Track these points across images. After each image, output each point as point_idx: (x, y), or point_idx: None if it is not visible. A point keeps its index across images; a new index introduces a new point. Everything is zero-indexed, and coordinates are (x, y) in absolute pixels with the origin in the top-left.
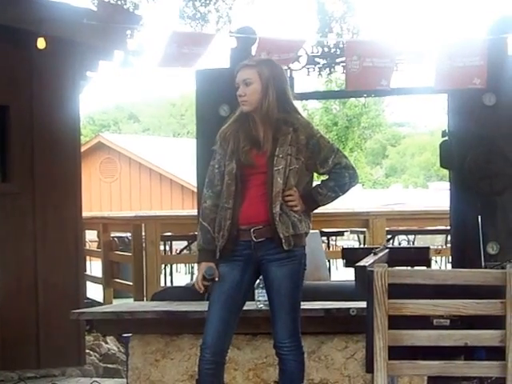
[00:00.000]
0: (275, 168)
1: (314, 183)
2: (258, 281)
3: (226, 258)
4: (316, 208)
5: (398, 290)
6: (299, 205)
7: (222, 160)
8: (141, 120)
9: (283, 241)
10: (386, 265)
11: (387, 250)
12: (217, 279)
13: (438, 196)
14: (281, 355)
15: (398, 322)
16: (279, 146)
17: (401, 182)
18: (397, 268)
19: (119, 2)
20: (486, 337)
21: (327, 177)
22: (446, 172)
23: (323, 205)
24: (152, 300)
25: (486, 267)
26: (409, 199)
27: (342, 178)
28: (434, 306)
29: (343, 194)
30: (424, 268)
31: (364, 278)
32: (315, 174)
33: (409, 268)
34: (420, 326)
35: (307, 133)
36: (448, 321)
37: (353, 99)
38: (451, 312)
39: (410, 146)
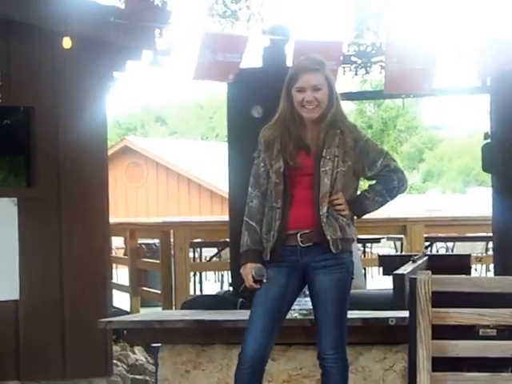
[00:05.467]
0: (322, 169)
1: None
2: None
3: (273, 261)
4: (363, 214)
5: (442, 299)
6: (346, 209)
7: (267, 159)
8: (168, 123)
9: (331, 243)
10: (430, 272)
11: (426, 258)
12: (265, 281)
13: (477, 202)
14: (324, 367)
15: (441, 331)
16: (326, 147)
17: (438, 187)
18: (441, 275)
19: None
20: None
21: (374, 181)
22: (485, 177)
23: (371, 211)
24: (182, 309)
25: None
26: (447, 205)
27: (390, 182)
28: (479, 315)
29: (391, 199)
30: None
31: (402, 286)
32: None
33: (453, 275)
34: (465, 336)
35: (354, 135)
36: (495, 331)
37: (388, 101)
38: (498, 321)
39: (447, 149)
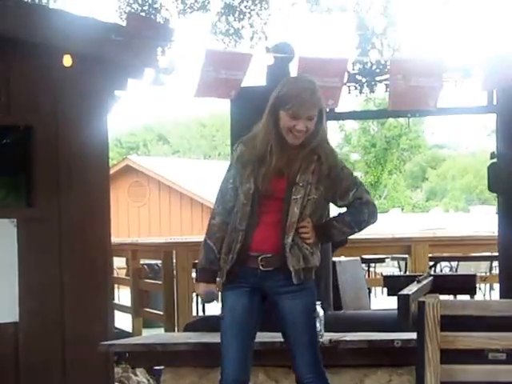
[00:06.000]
0: (293, 197)
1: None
2: None
3: (231, 282)
4: (328, 242)
5: (450, 322)
6: (312, 237)
7: (237, 176)
8: (170, 141)
9: (293, 274)
10: (438, 295)
11: (431, 278)
12: (215, 301)
13: (480, 220)
14: None
15: (450, 355)
16: (301, 173)
17: (441, 206)
18: (450, 299)
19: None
20: None
21: (345, 210)
22: (488, 195)
23: (336, 240)
24: (185, 331)
25: None
26: (450, 224)
27: (360, 215)
28: (489, 338)
29: (359, 230)
30: (468, 297)
31: (407, 307)
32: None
33: (462, 299)
34: (474, 360)
35: (330, 162)
36: (504, 355)
37: (392, 119)
38: (508, 345)
39: (450, 168)
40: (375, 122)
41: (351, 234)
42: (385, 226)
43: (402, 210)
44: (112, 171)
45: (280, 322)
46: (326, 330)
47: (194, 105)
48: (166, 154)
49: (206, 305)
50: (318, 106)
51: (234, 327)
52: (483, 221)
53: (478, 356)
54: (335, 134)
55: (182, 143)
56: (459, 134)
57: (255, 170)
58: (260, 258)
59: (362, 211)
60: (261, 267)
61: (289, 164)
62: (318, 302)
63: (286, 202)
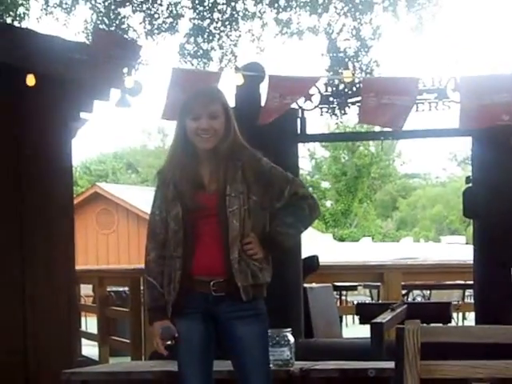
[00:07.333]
0: (229, 209)
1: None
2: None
3: (181, 312)
4: (279, 251)
5: (430, 350)
6: (259, 252)
7: (162, 205)
8: (139, 171)
9: (241, 290)
10: (419, 321)
11: (405, 306)
12: (176, 335)
13: (450, 250)
14: None
15: None
16: (229, 183)
17: (412, 235)
18: (430, 325)
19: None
20: None
21: (284, 211)
22: (458, 226)
23: (286, 246)
24: (150, 359)
25: None
26: (421, 253)
27: (301, 211)
28: (472, 367)
29: (305, 228)
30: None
31: (381, 335)
32: None
33: (443, 325)
34: None
35: (255, 168)
36: None
37: (362, 148)
38: (492, 374)
39: (421, 197)
40: (346, 151)
41: (298, 235)
42: (356, 254)
43: (373, 239)
44: (81, 198)
45: (233, 350)
46: (297, 359)
47: (160, 132)
48: (134, 183)
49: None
50: (218, 102)
51: (192, 360)
52: (454, 250)
53: None
54: (305, 161)
55: (151, 172)
56: (429, 164)
57: (179, 192)
58: (212, 283)
59: (302, 207)
60: (213, 292)
61: (212, 176)
62: (288, 329)
63: (222, 216)
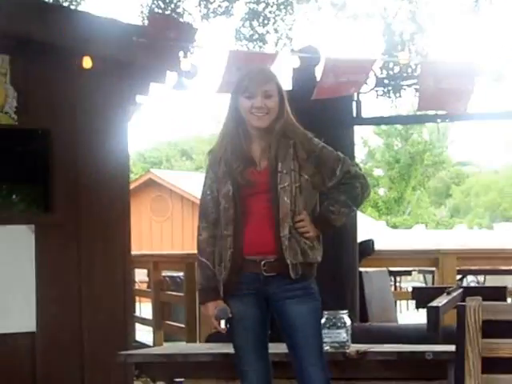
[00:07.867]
0: (280, 186)
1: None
2: (323, 320)
3: (232, 292)
4: (330, 230)
5: (492, 328)
6: (312, 230)
7: (213, 184)
8: (194, 158)
9: (290, 268)
10: (480, 298)
11: (461, 290)
12: (231, 315)
13: (504, 237)
14: None
15: (493, 364)
16: (281, 160)
17: (465, 223)
18: (492, 302)
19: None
20: None
21: (335, 190)
22: None
23: (338, 225)
24: (206, 342)
25: None
26: (475, 240)
27: (353, 189)
28: None
29: (357, 207)
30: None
31: (437, 319)
32: None
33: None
34: None
35: (306, 147)
36: None
37: (416, 135)
38: None
39: (474, 185)
40: (399, 138)
41: (350, 214)
42: (410, 241)
43: (426, 226)
44: (135, 185)
45: (287, 330)
46: (352, 343)
47: (216, 120)
48: (188, 170)
49: None
50: (273, 82)
51: (248, 338)
52: (508, 238)
53: None
54: (359, 149)
55: (205, 159)
56: (482, 151)
57: (230, 169)
58: (262, 262)
59: (354, 185)
60: (263, 272)
61: (264, 153)
62: (345, 311)
63: (273, 193)
